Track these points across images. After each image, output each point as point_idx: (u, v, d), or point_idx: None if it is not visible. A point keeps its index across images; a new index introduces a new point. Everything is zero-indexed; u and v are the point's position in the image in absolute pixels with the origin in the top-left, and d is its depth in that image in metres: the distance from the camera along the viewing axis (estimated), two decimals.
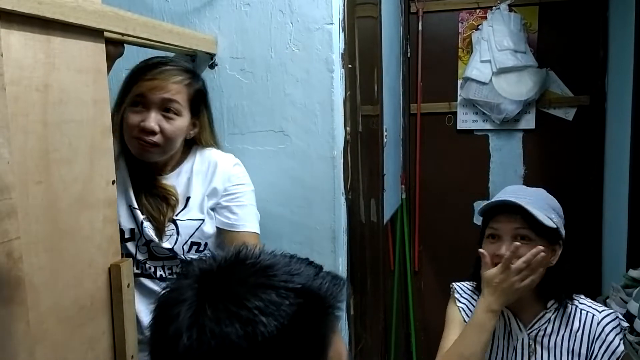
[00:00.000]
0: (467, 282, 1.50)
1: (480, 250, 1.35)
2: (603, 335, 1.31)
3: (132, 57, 1.40)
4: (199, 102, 1.40)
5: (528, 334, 1.35)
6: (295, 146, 1.55)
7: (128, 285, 1.03)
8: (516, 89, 2.75)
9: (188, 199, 1.40)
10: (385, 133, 2.30)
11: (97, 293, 0.97)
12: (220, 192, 1.40)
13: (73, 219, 0.92)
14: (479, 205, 2.94)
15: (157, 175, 1.40)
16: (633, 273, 2.12)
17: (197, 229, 1.38)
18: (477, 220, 3.10)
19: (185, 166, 1.42)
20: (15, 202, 0.79)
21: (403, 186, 2.91)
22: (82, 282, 0.94)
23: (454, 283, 1.51)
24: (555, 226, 1.29)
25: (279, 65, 1.54)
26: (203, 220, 1.39)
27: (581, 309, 1.36)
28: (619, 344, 1.30)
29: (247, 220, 1.42)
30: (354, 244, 1.70)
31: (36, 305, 0.83)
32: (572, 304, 1.36)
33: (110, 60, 1.22)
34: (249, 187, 1.45)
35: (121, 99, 1.33)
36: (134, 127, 1.29)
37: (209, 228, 1.40)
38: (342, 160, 1.56)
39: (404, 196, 2.92)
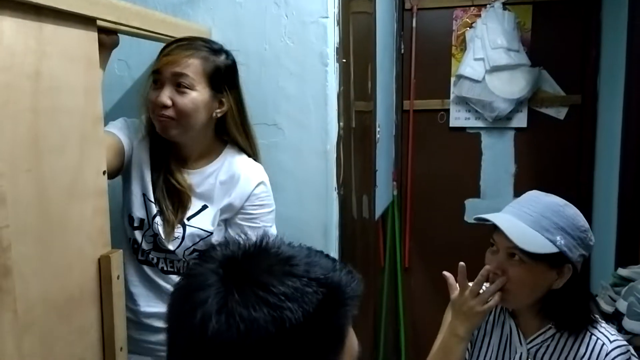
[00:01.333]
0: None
1: (444, 273, 1.31)
2: None
3: (125, 48, 1.39)
4: (221, 79, 1.35)
5: (528, 349, 1.25)
6: (288, 140, 1.54)
7: (118, 277, 1.02)
8: (509, 87, 2.76)
9: (204, 206, 1.37)
10: (378, 129, 2.30)
11: (86, 283, 0.97)
12: (237, 208, 1.38)
13: (63, 208, 0.91)
14: (470, 203, 2.95)
15: (181, 167, 1.39)
16: (622, 272, 2.13)
17: (202, 239, 1.37)
18: (468, 217, 3.11)
19: (212, 168, 1.39)
20: (4, 189, 0.78)
21: (395, 182, 2.91)
22: (71, 272, 0.93)
23: None
24: (556, 250, 1.15)
25: (273, 58, 1.53)
26: (211, 233, 1.37)
27: (592, 334, 1.22)
28: None
29: None
30: (345, 240, 1.70)
31: (24, 294, 0.82)
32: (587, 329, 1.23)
33: (106, 50, 1.22)
34: (267, 209, 1.41)
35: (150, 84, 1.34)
36: (152, 104, 1.31)
37: (216, 240, 1.38)
38: (334, 155, 1.56)
39: (395, 193, 2.92)
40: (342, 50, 1.59)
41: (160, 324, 1.38)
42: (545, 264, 1.16)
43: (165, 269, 1.39)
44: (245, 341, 0.59)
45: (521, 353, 1.26)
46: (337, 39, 1.54)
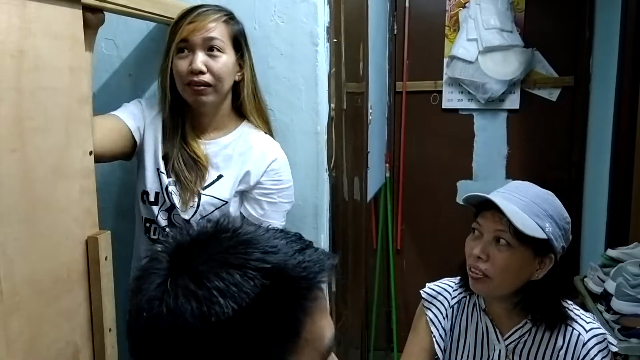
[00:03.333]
0: (440, 284, 1.37)
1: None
2: (587, 359, 1.19)
3: (112, 26, 1.37)
4: (241, 42, 1.39)
5: (506, 346, 1.24)
6: (279, 121, 1.53)
7: (106, 258, 1.01)
8: (502, 68, 2.74)
9: (220, 176, 1.38)
10: (370, 110, 2.28)
11: (74, 265, 0.96)
12: (254, 181, 1.38)
13: (48, 189, 0.90)
14: (462, 184, 2.96)
15: (197, 138, 1.40)
16: (611, 253, 2.15)
17: (217, 208, 1.37)
18: (460, 199, 3.12)
19: (229, 140, 1.40)
20: None
21: (387, 164, 2.91)
22: (57, 254, 0.92)
23: (424, 288, 1.38)
24: (544, 237, 1.14)
25: (263, 38, 1.51)
26: (227, 202, 1.37)
27: (568, 324, 1.22)
28: None
29: (272, 218, 1.41)
30: (336, 221, 1.70)
31: (10, 276, 0.81)
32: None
33: (92, 29, 1.19)
34: (285, 184, 1.42)
35: (167, 53, 1.34)
36: (183, 73, 1.31)
37: (232, 211, 1.39)
38: (326, 137, 1.55)
39: (387, 175, 2.92)
40: (333, 30, 1.57)
41: None
42: (530, 251, 1.15)
43: None
44: (171, 335, 0.58)
45: (499, 350, 1.25)
46: (327, 18, 1.53)
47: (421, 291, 1.37)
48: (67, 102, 0.95)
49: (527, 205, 1.16)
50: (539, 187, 1.24)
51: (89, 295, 0.99)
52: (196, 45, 1.30)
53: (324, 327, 0.66)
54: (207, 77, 1.31)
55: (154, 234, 1.41)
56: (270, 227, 0.68)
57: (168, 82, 1.35)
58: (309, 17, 1.48)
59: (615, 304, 1.93)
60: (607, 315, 1.97)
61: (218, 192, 1.37)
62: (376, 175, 2.60)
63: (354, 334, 2.17)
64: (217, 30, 1.32)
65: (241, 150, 1.39)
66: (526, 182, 1.25)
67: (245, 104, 1.41)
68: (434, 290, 1.36)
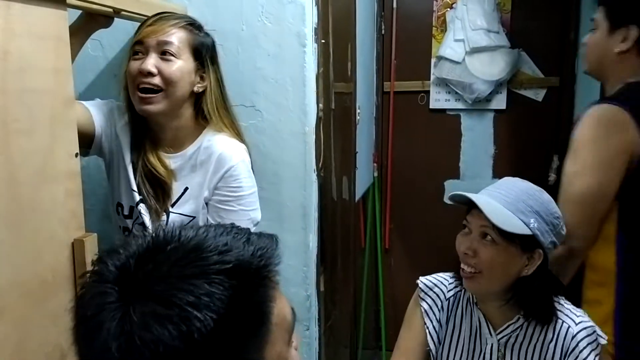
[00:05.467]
0: (436, 277, 1.37)
1: None
2: (577, 351, 1.20)
3: None
4: (204, 53, 1.33)
5: (498, 340, 1.25)
6: (266, 121, 1.53)
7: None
8: (488, 68, 2.76)
9: (186, 189, 1.34)
10: (358, 111, 2.29)
11: (59, 268, 0.95)
12: (212, 188, 1.33)
13: (33, 191, 0.89)
14: (450, 184, 2.97)
15: (161, 152, 1.34)
16: None
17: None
18: (448, 199, 3.14)
19: (192, 149, 1.34)
20: None
21: (375, 164, 2.91)
22: (43, 257, 0.91)
23: (420, 279, 1.38)
24: (529, 233, 1.14)
25: (250, 39, 1.51)
26: (194, 217, 1.34)
27: (557, 318, 1.23)
28: None
29: None
30: (325, 221, 1.70)
31: None
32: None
33: (91, 31, 1.27)
34: (245, 191, 1.34)
35: (128, 60, 1.29)
36: (133, 74, 1.25)
37: (201, 224, 1.33)
38: (314, 137, 1.55)
39: (376, 174, 2.92)
40: (321, 31, 1.58)
41: None
42: (517, 247, 1.16)
43: None
44: (154, 356, 0.54)
45: (492, 344, 1.26)
46: (315, 19, 1.53)
47: (418, 281, 1.37)
48: (52, 104, 0.94)
49: (511, 202, 1.17)
50: (528, 183, 1.24)
51: (75, 299, 0.98)
52: (150, 47, 1.25)
53: (284, 306, 0.66)
54: (156, 80, 1.25)
55: None
56: (205, 225, 0.66)
57: (126, 91, 1.30)
58: (296, 18, 1.48)
59: None
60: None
61: (185, 208, 1.33)
62: (364, 175, 2.61)
63: (343, 332, 2.18)
64: (175, 36, 1.27)
65: (202, 157, 1.33)
66: (515, 179, 1.26)
67: (209, 117, 1.34)
68: (430, 281, 1.36)
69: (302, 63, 1.50)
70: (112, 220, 1.44)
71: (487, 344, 1.27)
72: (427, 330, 1.32)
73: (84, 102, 1.34)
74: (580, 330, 1.22)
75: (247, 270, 0.60)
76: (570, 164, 1.42)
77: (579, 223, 1.36)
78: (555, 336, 1.23)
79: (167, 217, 1.33)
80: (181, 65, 1.27)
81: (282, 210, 1.56)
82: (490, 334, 1.26)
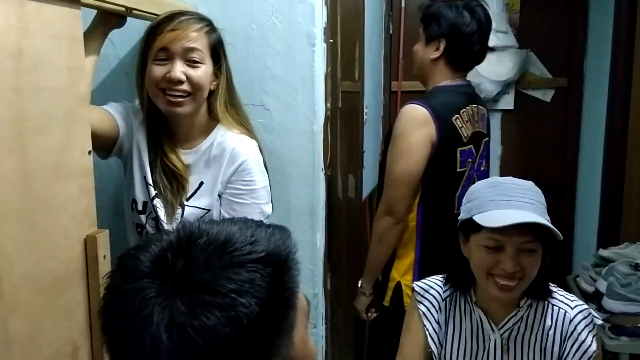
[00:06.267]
0: (431, 279, 1.39)
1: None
2: (575, 334, 1.25)
3: None
4: (219, 51, 1.36)
5: (501, 335, 1.27)
6: (275, 120, 1.54)
7: (104, 257, 1.02)
8: (496, 69, 2.76)
9: (201, 183, 1.37)
10: (365, 110, 2.29)
11: (72, 264, 0.96)
12: (225, 182, 1.36)
13: (47, 188, 0.90)
14: None
15: (176, 148, 1.38)
16: (603, 252, 2.17)
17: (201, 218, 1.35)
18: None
19: (205, 145, 1.37)
20: None
21: None
22: (56, 253, 0.93)
23: (415, 283, 1.40)
24: (556, 231, 1.16)
25: (260, 38, 1.51)
26: (209, 210, 1.36)
27: (553, 305, 1.28)
28: (592, 342, 1.24)
29: None
30: (332, 220, 1.71)
31: (9, 274, 0.82)
32: (545, 300, 1.28)
33: (108, 30, 1.28)
34: (258, 185, 1.37)
35: (143, 59, 1.31)
36: (159, 79, 1.28)
37: (215, 217, 1.36)
38: (322, 136, 1.56)
39: None
40: (330, 30, 1.58)
41: None
42: (543, 247, 1.19)
43: None
44: (206, 352, 0.56)
45: (495, 340, 1.28)
46: (324, 19, 1.53)
47: (414, 284, 1.39)
48: (66, 102, 0.95)
49: (537, 207, 1.19)
50: (529, 181, 1.26)
51: (87, 294, 1.00)
52: (176, 54, 1.27)
53: (301, 293, 0.70)
54: (185, 86, 1.28)
55: None
56: (225, 219, 0.69)
57: (145, 90, 1.32)
58: (306, 17, 1.49)
59: (607, 303, 1.95)
60: (599, 317, 1.99)
61: (200, 201, 1.36)
62: (371, 174, 2.61)
63: (348, 331, 2.19)
64: (199, 42, 1.29)
65: (216, 152, 1.36)
66: (522, 181, 1.26)
67: (218, 113, 1.37)
68: (425, 284, 1.38)
69: (311, 62, 1.50)
70: (124, 218, 1.45)
71: (490, 340, 1.28)
72: (427, 332, 1.33)
73: (104, 107, 1.37)
74: (577, 314, 1.26)
75: (278, 258, 0.63)
76: (390, 151, 1.72)
77: (399, 198, 1.70)
78: (554, 323, 1.26)
79: (183, 210, 1.35)
80: (206, 70, 1.31)
81: (290, 208, 1.57)
82: (493, 330, 1.28)
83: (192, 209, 1.36)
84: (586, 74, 2.74)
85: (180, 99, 1.29)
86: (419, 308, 1.35)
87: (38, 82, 0.88)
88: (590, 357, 1.24)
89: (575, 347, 1.24)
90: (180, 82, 1.27)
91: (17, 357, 0.83)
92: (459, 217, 1.29)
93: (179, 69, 1.27)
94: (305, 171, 1.55)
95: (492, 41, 2.71)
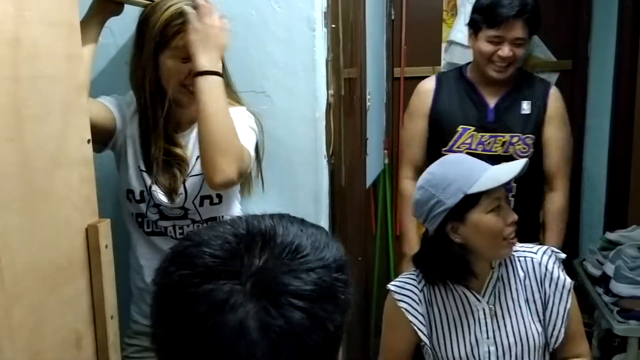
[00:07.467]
0: (403, 277, 1.43)
1: None
2: (549, 275, 1.32)
3: None
4: None
5: (487, 302, 1.33)
6: (277, 107, 1.53)
7: (106, 246, 1.01)
8: None
9: (198, 157, 1.36)
10: (368, 97, 2.28)
11: (75, 253, 0.96)
12: None
13: (47, 177, 0.89)
14: None
15: (174, 132, 1.39)
16: (610, 236, 2.16)
17: (203, 182, 1.35)
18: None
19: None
20: None
21: (386, 151, 2.90)
22: (58, 243, 0.92)
23: (389, 285, 1.43)
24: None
25: (260, 24, 1.50)
26: None
27: (518, 257, 1.36)
28: (564, 277, 1.33)
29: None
30: (336, 207, 1.70)
31: (11, 265, 0.81)
32: (510, 255, 1.35)
33: (105, 19, 1.28)
34: (246, 125, 1.36)
35: (154, 51, 1.30)
36: (182, 76, 1.31)
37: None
38: (324, 123, 1.55)
39: (386, 161, 2.91)
40: (331, 15, 1.57)
41: None
42: None
43: (174, 236, 1.40)
44: (301, 354, 0.57)
45: (483, 309, 1.32)
46: (325, 4, 1.52)
47: (388, 286, 1.42)
48: (65, 90, 0.94)
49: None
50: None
51: (90, 283, 0.99)
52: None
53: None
54: None
55: (148, 227, 1.42)
56: (283, 217, 0.68)
57: (151, 77, 1.32)
58: (305, 2, 1.47)
59: (614, 286, 1.94)
60: (606, 298, 1.98)
61: (197, 168, 1.36)
62: (375, 161, 2.60)
63: (354, 319, 2.19)
64: None
65: None
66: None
67: None
68: (400, 281, 1.41)
69: (312, 48, 1.49)
70: (123, 210, 1.45)
71: (477, 310, 1.33)
72: (415, 327, 1.35)
73: (100, 100, 1.37)
74: (542, 255, 1.36)
75: (344, 263, 0.64)
76: (564, 131, 2.06)
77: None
78: (526, 272, 1.34)
79: (184, 185, 1.36)
80: None
81: (294, 195, 1.56)
82: (479, 300, 1.33)
83: (190, 178, 1.37)
84: (591, 57, 2.71)
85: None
86: (400, 306, 1.37)
87: (36, 70, 0.87)
88: (569, 290, 1.32)
89: (553, 286, 1.32)
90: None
91: (21, 347, 0.83)
92: (442, 208, 1.27)
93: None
94: (308, 158, 1.54)
95: None
